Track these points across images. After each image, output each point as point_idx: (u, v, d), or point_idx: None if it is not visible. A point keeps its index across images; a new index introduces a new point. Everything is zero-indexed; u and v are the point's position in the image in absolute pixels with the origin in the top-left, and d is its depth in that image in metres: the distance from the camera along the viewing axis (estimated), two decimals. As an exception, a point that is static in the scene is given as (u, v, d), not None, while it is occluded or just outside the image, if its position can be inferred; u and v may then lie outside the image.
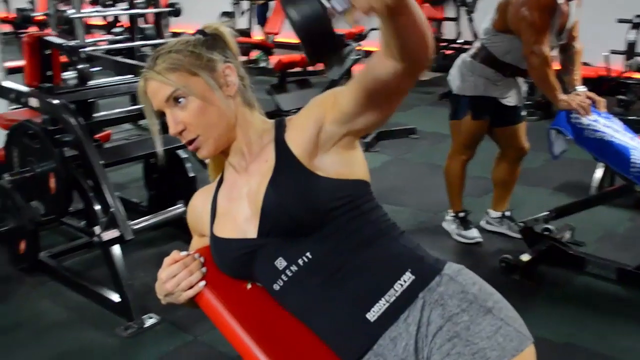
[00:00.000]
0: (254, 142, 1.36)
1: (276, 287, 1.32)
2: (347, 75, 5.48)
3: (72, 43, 3.38)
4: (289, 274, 1.29)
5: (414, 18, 1.04)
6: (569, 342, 2.56)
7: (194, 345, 2.56)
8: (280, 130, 1.34)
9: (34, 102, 2.80)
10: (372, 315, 1.23)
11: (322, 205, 1.26)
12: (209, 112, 1.30)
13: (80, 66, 3.21)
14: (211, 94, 1.29)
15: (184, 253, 1.41)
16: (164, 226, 3.39)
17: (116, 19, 7.48)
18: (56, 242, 3.48)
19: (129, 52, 4.70)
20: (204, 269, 1.39)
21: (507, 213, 3.50)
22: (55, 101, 2.71)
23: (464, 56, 3.25)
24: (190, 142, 1.32)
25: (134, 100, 5.92)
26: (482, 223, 3.57)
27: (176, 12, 5.94)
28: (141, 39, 4.59)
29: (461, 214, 3.47)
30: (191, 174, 3.54)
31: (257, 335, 1.34)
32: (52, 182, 2.72)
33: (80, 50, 3.32)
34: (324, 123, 1.27)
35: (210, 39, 1.34)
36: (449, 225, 3.53)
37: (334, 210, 1.27)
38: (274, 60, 6.46)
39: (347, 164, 1.31)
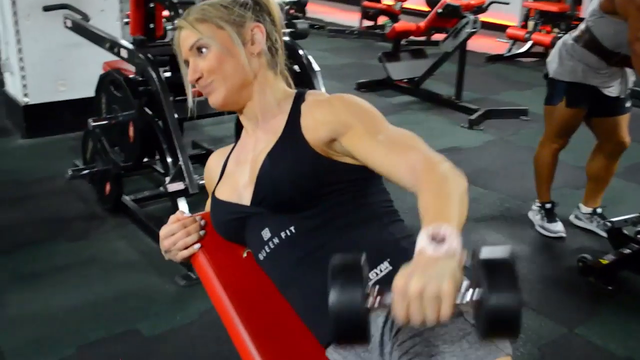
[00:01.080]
0: (269, 108, 1.34)
1: (261, 256, 1.32)
2: (461, 47, 5.29)
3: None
4: (272, 245, 1.29)
5: None
6: (632, 357, 2.37)
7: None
8: (298, 103, 1.31)
9: (124, 52, 2.94)
10: None
11: (317, 185, 1.24)
12: (226, 63, 1.28)
13: (175, 21, 3.32)
14: (233, 47, 1.28)
15: (187, 214, 1.44)
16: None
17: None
18: (146, 187, 3.67)
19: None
20: (202, 232, 1.41)
21: (599, 210, 3.26)
22: (140, 54, 2.82)
23: (566, 38, 3.02)
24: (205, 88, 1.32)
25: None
26: (572, 217, 3.35)
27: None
28: None
29: (547, 205, 3.26)
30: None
31: (240, 304, 1.34)
32: (131, 131, 2.86)
33: (182, 4, 3.43)
34: (340, 139, 1.22)
35: (252, 2, 1.33)
36: (534, 215, 3.34)
37: (329, 192, 1.24)
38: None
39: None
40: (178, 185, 2.66)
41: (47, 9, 3.68)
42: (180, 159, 2.68)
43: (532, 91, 5.91)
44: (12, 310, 2.55)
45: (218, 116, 3.89)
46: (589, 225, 3.28)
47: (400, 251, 1.23)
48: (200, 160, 4.10)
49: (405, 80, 5.80)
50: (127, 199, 3.32)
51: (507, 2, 5.89)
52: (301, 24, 5.50)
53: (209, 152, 4.04)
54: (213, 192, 1.42)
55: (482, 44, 7.37)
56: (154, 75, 2.75)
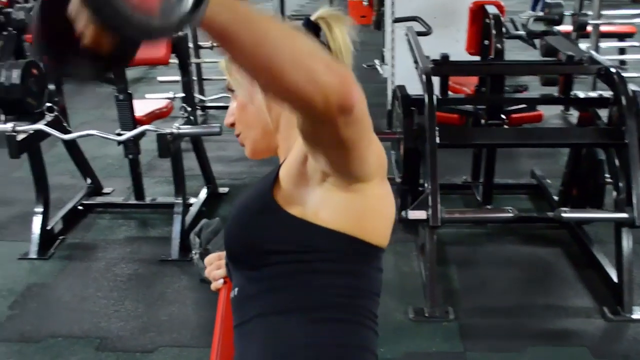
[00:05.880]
0: None
1: None
2: None
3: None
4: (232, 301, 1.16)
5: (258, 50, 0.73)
6: None
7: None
8: None
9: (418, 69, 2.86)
10: None
11: (260, 243, 1.04)
12: (248, 111, 1.16)
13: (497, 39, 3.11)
14: (254, 92, 1.14)
15: None
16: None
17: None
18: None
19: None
20: (235, 268, 1.35)
21: None
22: (426, 71, 2.69)
23: None
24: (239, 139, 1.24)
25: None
26: None
27: None
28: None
29: None
30: (601, 181, 3.04)
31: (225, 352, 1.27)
32: (401, 149, 2.80)
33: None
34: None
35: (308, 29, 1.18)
36: None
37: (275, 254, 1.03)
38: None
39: (342, 211, 0.99)
40: (420, 214, 2.49)
41: (396, 20, 3.80)
42: (430, 186, 2.50)
43: None
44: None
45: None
46: None
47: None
48: (532, 191, 3.73)
49: None
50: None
51: None
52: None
53: (539, 186, 3.70)
54: None
55: None
56: (426, 94, 2.60)
